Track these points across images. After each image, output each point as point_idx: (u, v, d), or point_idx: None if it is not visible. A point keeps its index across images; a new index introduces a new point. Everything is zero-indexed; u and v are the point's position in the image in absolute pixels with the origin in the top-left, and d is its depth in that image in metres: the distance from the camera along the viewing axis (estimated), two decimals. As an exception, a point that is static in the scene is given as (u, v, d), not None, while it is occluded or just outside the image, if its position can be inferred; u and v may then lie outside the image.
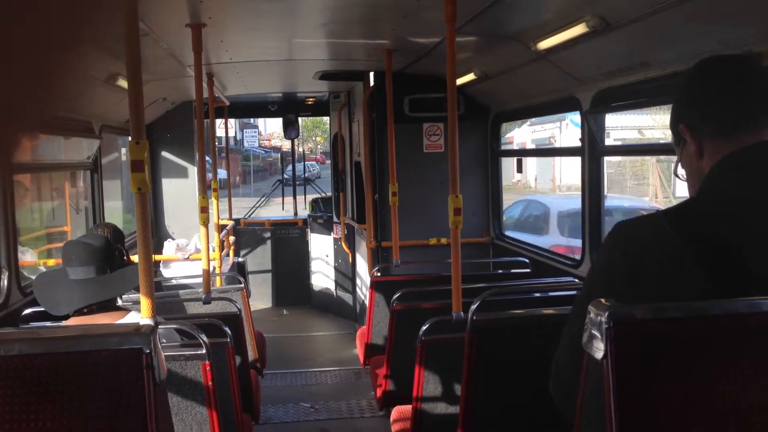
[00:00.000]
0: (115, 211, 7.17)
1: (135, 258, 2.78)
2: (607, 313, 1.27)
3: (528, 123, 25.01)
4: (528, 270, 5.00)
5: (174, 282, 5.62)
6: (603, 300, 1.31)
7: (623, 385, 1.26)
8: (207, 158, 4.98)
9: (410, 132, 6.08)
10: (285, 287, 9.39)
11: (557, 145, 23.58)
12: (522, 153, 16.95)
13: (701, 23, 2.82)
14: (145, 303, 2.46)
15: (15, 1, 0.54)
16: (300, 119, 10.00)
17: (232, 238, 7.55)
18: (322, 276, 9.01)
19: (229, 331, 3.24)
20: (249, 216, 10.44)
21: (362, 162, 6.64)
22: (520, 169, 6.87)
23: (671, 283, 1.38)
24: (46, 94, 0.61)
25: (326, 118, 10.50)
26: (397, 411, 3.76)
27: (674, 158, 1.64)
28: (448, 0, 3.29)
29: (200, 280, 4.29)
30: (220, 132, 13.75)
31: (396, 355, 4.11)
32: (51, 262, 5.20)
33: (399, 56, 5.20)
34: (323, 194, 10.83)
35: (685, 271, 1.37)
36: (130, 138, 2.46)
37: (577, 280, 4.12)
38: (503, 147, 6.58)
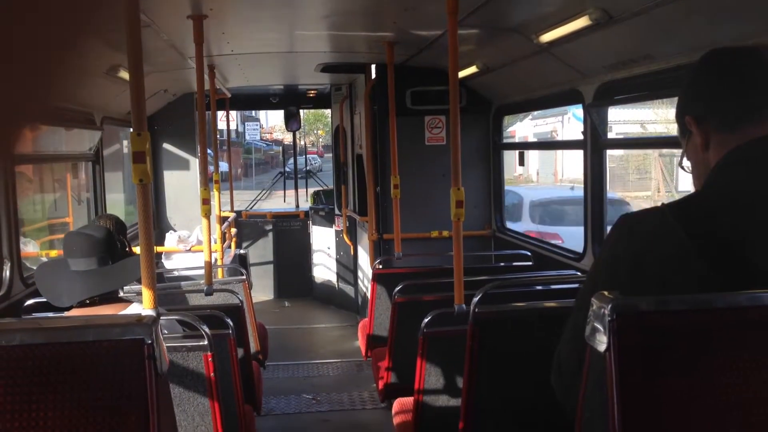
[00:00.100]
0: (117, 203, 7.17)
1: (137, 249, 2.78)
2: (610, 306, 1.27)
3: (530, 117, 24.98)
4: (530, 263, 5.00)
5: (176, 274, 5.63)
6: (606, 292, 1.30)
7: (626, 377, 1.26)
8: (209, 151, 4.98)
9: (412, 125, 6.07)
10: (287, 279, 9.40)
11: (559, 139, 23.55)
12: (524, 146, 16.90)
13: (704, 16, 2.80)
14: (146, 294, 2.46)
15: None
16: (302, 112, 10.00)
17: (233, 230, 7.55)
18: (324, 268, 9.02)
19: (230, 323, 3.25)
20: (251, 208, 10.45)
21: (364, 154, 6.64)
22: (522, 163, 6.87)
23: (674, 277, 1.38)
24: (48, 87, 0.61)
25: (328, 111, 10.49)
26: (398, 403, 3.76)
27: (677, 153, 1.64)
28: (450, -8, 3.28)
29: (202, 271, 4.29)
30: (222, 125, 13.76)
31: (398, 347, 4.11)
32: (53, 253, 5.20)
33: (401, 49, 5.19)
34: (325, 187, 10.83)
35: (688, 264, 1.37)
36: (131, 129, 2.46)
37: (579, 273, 4.11)
38: (505, 140, 6.56)
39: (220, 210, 5.98)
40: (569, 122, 22.13)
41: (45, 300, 2.77)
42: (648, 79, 3.53)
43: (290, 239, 9.41)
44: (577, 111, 4.85)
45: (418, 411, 3.41)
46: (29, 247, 4.91)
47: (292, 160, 12.81)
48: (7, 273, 3.53)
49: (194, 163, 7.60)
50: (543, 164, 26.62)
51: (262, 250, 9.35)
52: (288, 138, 20.01)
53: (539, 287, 4.02)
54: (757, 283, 1.33)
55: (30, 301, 3.44)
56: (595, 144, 4.25)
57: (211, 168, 7.40)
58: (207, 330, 2.74)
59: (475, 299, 2.90)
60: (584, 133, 4.33)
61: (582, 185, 4.46)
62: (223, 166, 13.25)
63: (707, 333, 1.30)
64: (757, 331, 1.31)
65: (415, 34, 4.79)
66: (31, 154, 4.50)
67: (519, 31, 4.14)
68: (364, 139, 6.52)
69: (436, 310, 3.35)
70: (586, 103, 4.20)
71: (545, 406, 2.05)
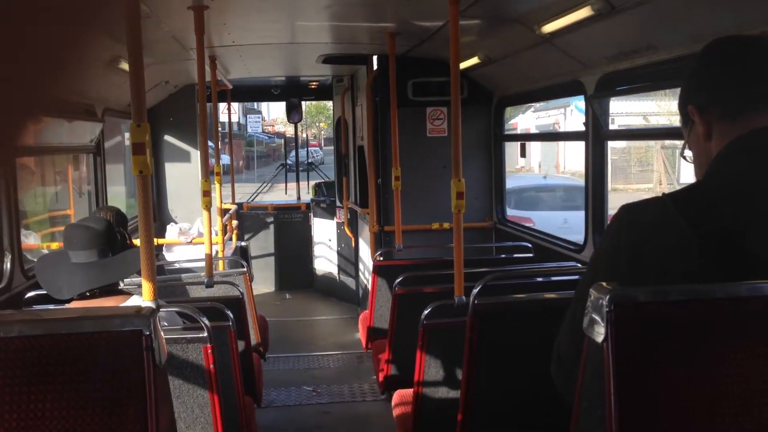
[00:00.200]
0: (119, 196, 7.17)
1: (137, 241, 2.78)
2: (608, 296, 1.26)
3: (532, 109, 24.94)
4: (530, 255, 4.99)
5: (176, 266, 5.63)
6: (604, 283, 1.30)
7: (623, 368, 1.25)
8: (210, 143, 4.97)
9: (413, 116, 6.06)
10: (288, 271, 9.41)
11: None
12: (526, 137, 16.88)
13: (706, 6, 2.79)
14: (146, 286, 2.46)
15: None
16: (303, 104, 9.97)
17: (235, 222, 7.55)
18: (325, 260, 9.02)
19: (231, 315, 3.25)
20: (252, 200, 10.45)
21: (365, 146, 6.63)
22: (523, 154, 6.85)
23: (675, 267, 1.38)
24: (49, 78, 0.61)
25: (330, 104, 10.47)
26: (398, 395, 3.77)
27: (679, 144, 1.63)
28: (451, -18, 3.27)
29: (203, 264, 4.29)
30: (223, 117, 13.75)
31: (398, 339, 4.12)
32: (54, 245, 5.21)
33: (402, 40, 5.17)
34: (326, 179, 10.82)
35: (689, 254, 1.37)
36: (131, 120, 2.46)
37: (579, 265, 4.11)
38: (506, 132, 6.55)
39: (221, 202, 5.98)
40: (572, 114, 22.08)
41: (45, 292, 2.78)
42: (650, 70, 3.51)
43: (291, 231, 9.41)
44: (579, 103, 4.83)
45: (418, 403, 3.41)
46: (30, 240, 4.92)
47: (294, 153, 12.81)
48: (8, 265, 3.54)
49: (195, 155, 7.59)
50: (545, 156, 26.60)
51: (263, 242, 9.35)
52: (290, 131, 19.99)
53: (539, 279, 4.01)
54: (757, 274, 1.32)
55: (30, 294, 3.45)
56: (596, 135, 4.24)
57: (213, 160, 7.38)
58: (207, 322, 2.74)
59: (475, 291, 2.90)
60: (586, 124, 4.32)
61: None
62: (225, 158, 13.26)
63: (706, 324, 1.29)
64: (756, 322, 1.31)
65: (416, 24, 4.77)
66: (32, 146, 4.49)
67: (521, 22, 4.12)
68: (366, 131, 6.50)
69: (437, 302, 3.34)
70: (588, 94, 4.18)
71: (545, 398, 2.05)
